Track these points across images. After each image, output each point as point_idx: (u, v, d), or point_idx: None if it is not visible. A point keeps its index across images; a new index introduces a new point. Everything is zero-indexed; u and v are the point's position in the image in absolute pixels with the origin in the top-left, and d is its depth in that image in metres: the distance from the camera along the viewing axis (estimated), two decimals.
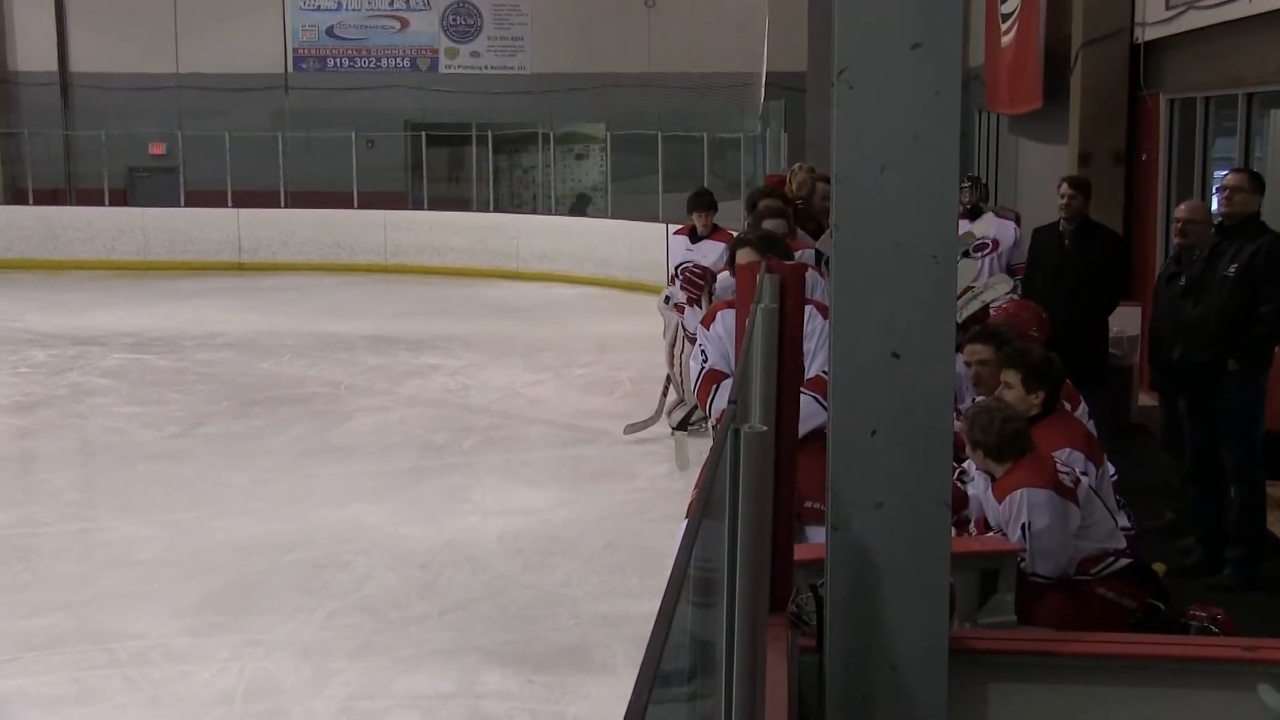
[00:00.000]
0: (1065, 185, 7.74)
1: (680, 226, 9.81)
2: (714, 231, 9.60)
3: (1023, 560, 4.24)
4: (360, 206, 21.62)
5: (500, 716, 5.38)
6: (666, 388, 9.78)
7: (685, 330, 9.28)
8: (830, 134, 3.01)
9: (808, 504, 4.47)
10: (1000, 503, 4.38)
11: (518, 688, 5.61)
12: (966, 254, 7.75)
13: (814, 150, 15.05)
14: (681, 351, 9.50)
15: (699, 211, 9.57)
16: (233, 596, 6.72)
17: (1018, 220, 9.11)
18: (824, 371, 4.49)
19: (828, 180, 6.04)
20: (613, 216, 19.33)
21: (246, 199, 21.62)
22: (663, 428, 9.50)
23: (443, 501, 8.44)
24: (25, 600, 6.65)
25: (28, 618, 6.39)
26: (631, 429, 9.80)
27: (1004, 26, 12.82)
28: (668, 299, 9.64)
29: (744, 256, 5.09)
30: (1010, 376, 4.89)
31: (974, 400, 5.16)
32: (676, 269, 9.41)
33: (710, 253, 9.52)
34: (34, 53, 24.24)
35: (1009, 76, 12.78)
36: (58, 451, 10.09)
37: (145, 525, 7.91)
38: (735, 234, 10.03)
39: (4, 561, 7.35)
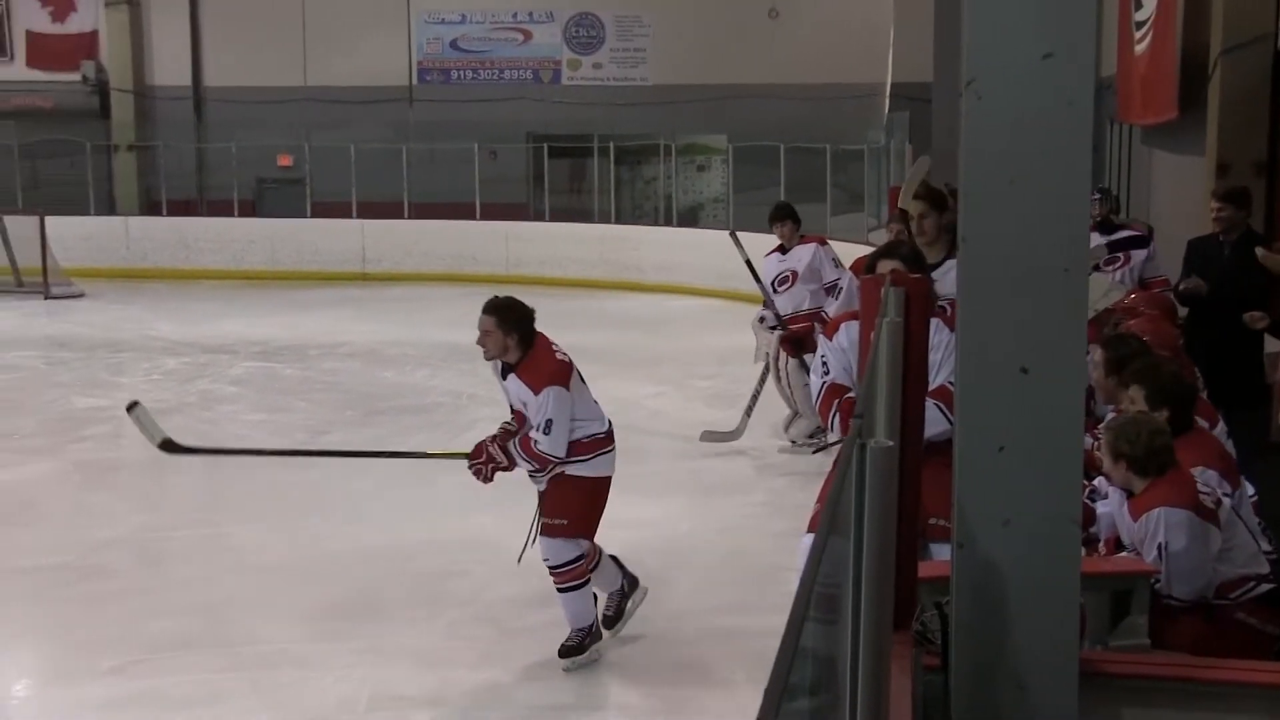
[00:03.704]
0: (1214, 200, 7.43)
1: (769, 250, 9.77)
2: (802, 239, 9.61)
3: (1157, 581, 4.13)
4: (482, 218, 21.84)
5: None
6: (752, 406, 9.75)
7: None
8: (957, 146, 2.96)
9: (931, 521, 4.41)
10: (1136, 520, 4.26)
11: (637, 701, 5.60)
12: (1097, 267, 7.59)
13: (939, 161, 14.86)
14: (786, 364, 9.47)
15: (780, 223, 9.59)
16: (355, 604, 6.79)
17: (1150, 233, 8.91)
18: (949, 382, 4.43)
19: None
20: (735, 229, 19.28)
21: (371, 210, 21.94)
22: (758, 440, 9.44)
23: None
24: (155, 603, 6.77)
25: (157, 619, 6.50)
26: (709, 437, 9.75)
27: (1138, 35, 12.56)
28: (762, 319, 9.63)
29: (886, 269, 5.00)
30: (1135, 393, 4.77)
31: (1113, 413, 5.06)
32: (769, 299, 9.46)
33: (804, 256, 9.50)
34: (170, 68, 24.85)
35: (1142, 86, 12.51)
36: (186, 457, 10.23)
37: (270, 531, 8.03)
38: (824, 239, 10.02)
39: (135, 565, 7.51)
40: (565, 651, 5.90)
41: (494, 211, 21.81)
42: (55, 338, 16.14)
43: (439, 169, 22.24)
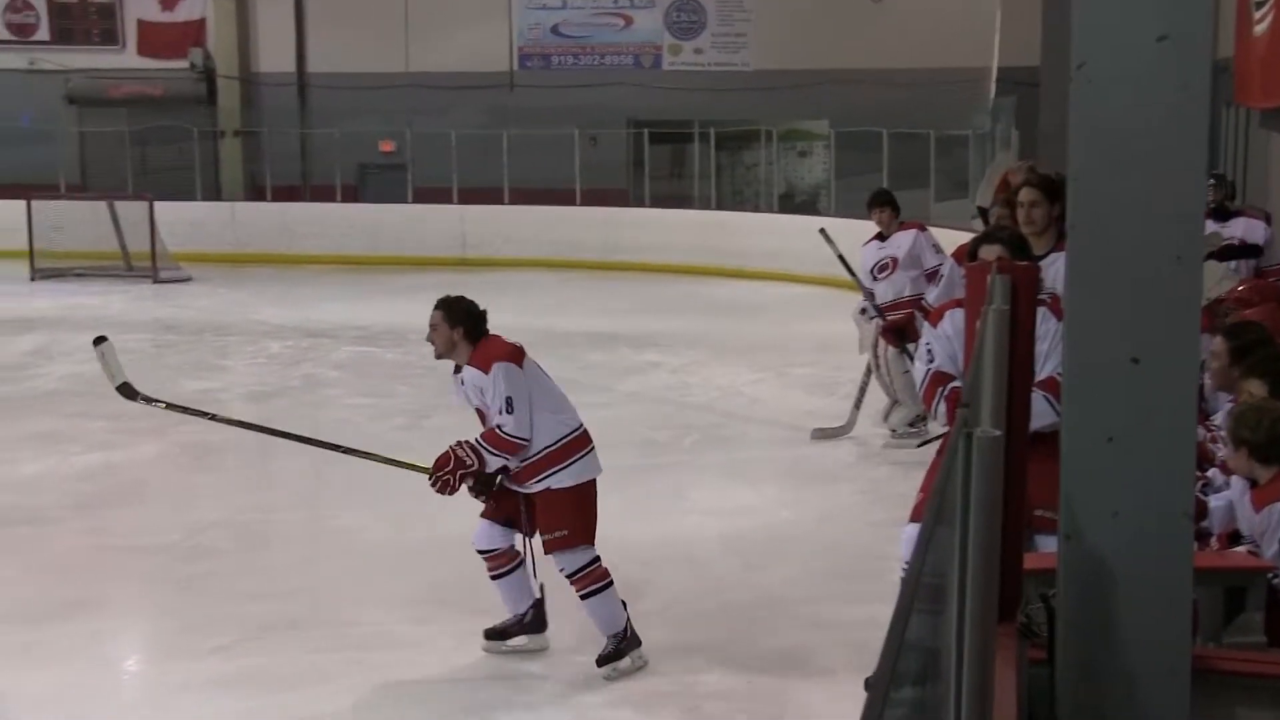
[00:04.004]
0: None
1: (867, 238, 9.67)
2: (901, 225, 9.51)
3: (1275, 577, 4.02)
4: (582, 204, 21.88)
5: (720, 717, 5.35)
6: (860, 398, 9.67)
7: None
8: (1066, 131, 2.90)
9: (1037, 512, 4.34)
10: (1259, 512, 4.15)
11: (737, 688, 5.57)
12: (1211, 256, 7.44)
13: (1047, 147, 14.64)
14: (886, 353, 9.39)
15: (878, 209, 9.48)
16: (455, 587, 6.80)
17: (1268, 220, 8.71)
18: (1057, 373, 4.36)
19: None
20: (836, 215, 19.13)
21: (471, 196, 22.07)
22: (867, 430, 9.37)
23: (663, 499, 8.46)
24: (259, 584, 6.87)
25: (262, 600, 6.59)
26: (820, 434, 9.69)
27: (1257, 15, 12.24)
28: (864, 310, 9.54)
29: (988, 254, 4.93)
30: (1254, 386, 4.65)
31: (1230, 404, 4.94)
32: (867, 291, 9.36)
33: (903, 243, 9.40)
34: (275, 55, 25.16)
35: (1262, 68, 12.18)
36: (287, 441, 10.36)
37: (372, 516, 8.09)
38: (924, 225, 9.90)
39: (239, 546, 7.63)
40: (603, 660, 5.73)
41: (594, 197, 21.85)
42: (163, 321, 16.42)
43: (539, 155, 22.29)
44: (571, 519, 5.70)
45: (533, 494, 5.75)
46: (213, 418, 6.25)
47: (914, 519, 4.95)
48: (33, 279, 20.06)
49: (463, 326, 5.73)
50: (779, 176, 23.13)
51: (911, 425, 9.43)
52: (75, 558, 7.19)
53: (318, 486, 9.02)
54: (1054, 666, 3.01)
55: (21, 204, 20.55)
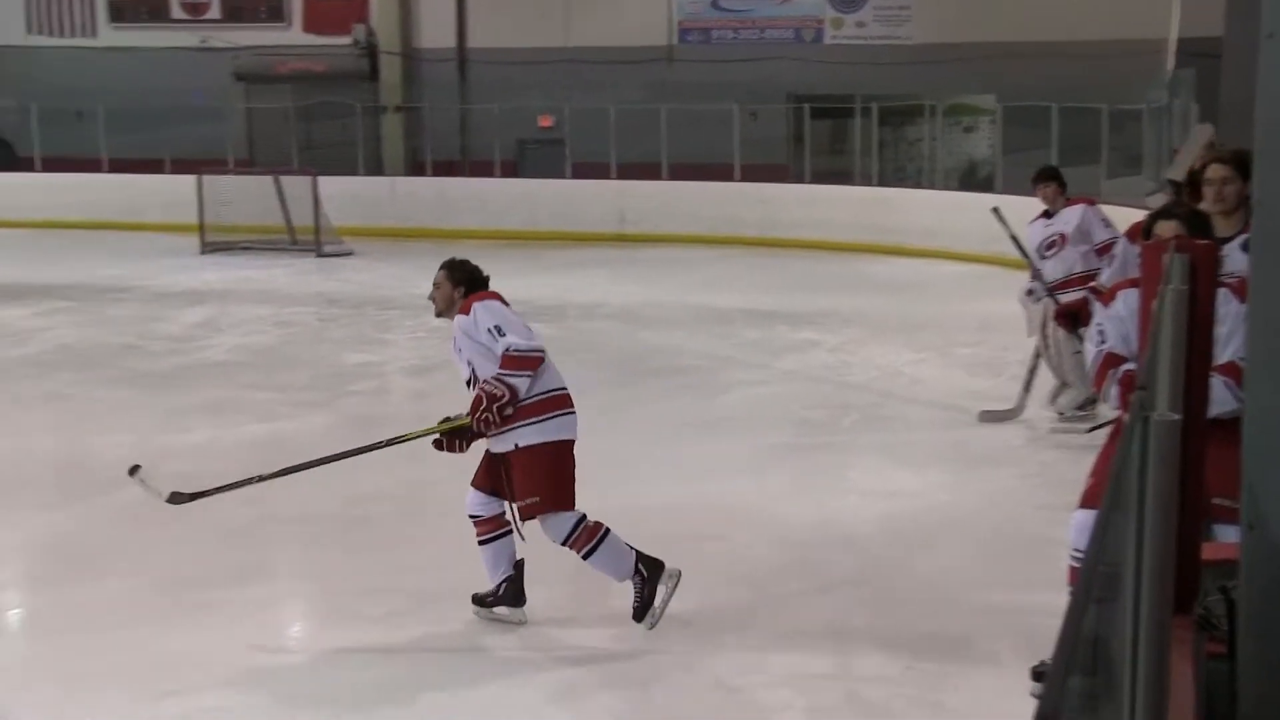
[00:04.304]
0: None
1: (1033, 216, 9.41)
2: (1067, 201, 9.24)
3: None
4: (741, 179, 21.76)
5: (879, 701, 5.25)
6: (1030, 380, 9.43)
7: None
8: (1250, 105, 2.76)
9: (1216, 500, 4.18)
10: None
11: (897, 673, 5.47)
12: None
13: (1229, 122, 14.14)
14: (1055, 333, 9.15)
15: (1043, 184, 9.22)
16: None
17: None
18: (1239, 359, 4.19)
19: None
20: (1003, 192, 18.76)
21: (629, 171, 22.08)
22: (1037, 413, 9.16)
23: (820, 479, 8.36)
24: (419, 555, 6.94)
25: (422, 571, 6.66)
26: (987, 417, 9.48)
27: None
28: (1030, 292, 9.28)
29: (1165, 231, 4.75)
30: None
31: None
32: (1035, 271, 9.12)
33: (1071, 218, 9.13)
34: (436, 31, 25.45)
35: None
36: (450, 412, 10.46)
37: None
38: (1093, 200, 9.61)
39: (399, 517, 7.71)
40: (639, 613, 5.72)
41: (753, 173, 21.73)
42: (326, 294, 16.71)
43: (698, 130, 22.21)
44: (541, 483, 5.66)
45: (507, 455, 5.72)
46: (260, 479, 6.26)
47: (1084, 505, 4.80)
48: (202, 252, 20.60)
49: (464, 286, 5.81)
50: (943, 152, 22.73)
51: (1080, 408, 9.18)
52: (242, 525, 7.32)
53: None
54: (1234, 661, 2.88)
55: (192, 179, 21.10)
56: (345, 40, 25.73)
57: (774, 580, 6.57)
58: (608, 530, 5.74)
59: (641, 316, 14.37)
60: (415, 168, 24.97)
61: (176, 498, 5.95)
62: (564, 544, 5.72)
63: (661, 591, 5.74)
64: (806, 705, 5.22)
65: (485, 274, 5.95)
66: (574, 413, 5.82)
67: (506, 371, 5.58)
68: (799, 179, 22.38)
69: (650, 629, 5.73)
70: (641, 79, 23.79)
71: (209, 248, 20.73)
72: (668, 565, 5.80)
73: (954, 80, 22.50)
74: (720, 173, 21.79)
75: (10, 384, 11.31)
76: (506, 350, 5.56)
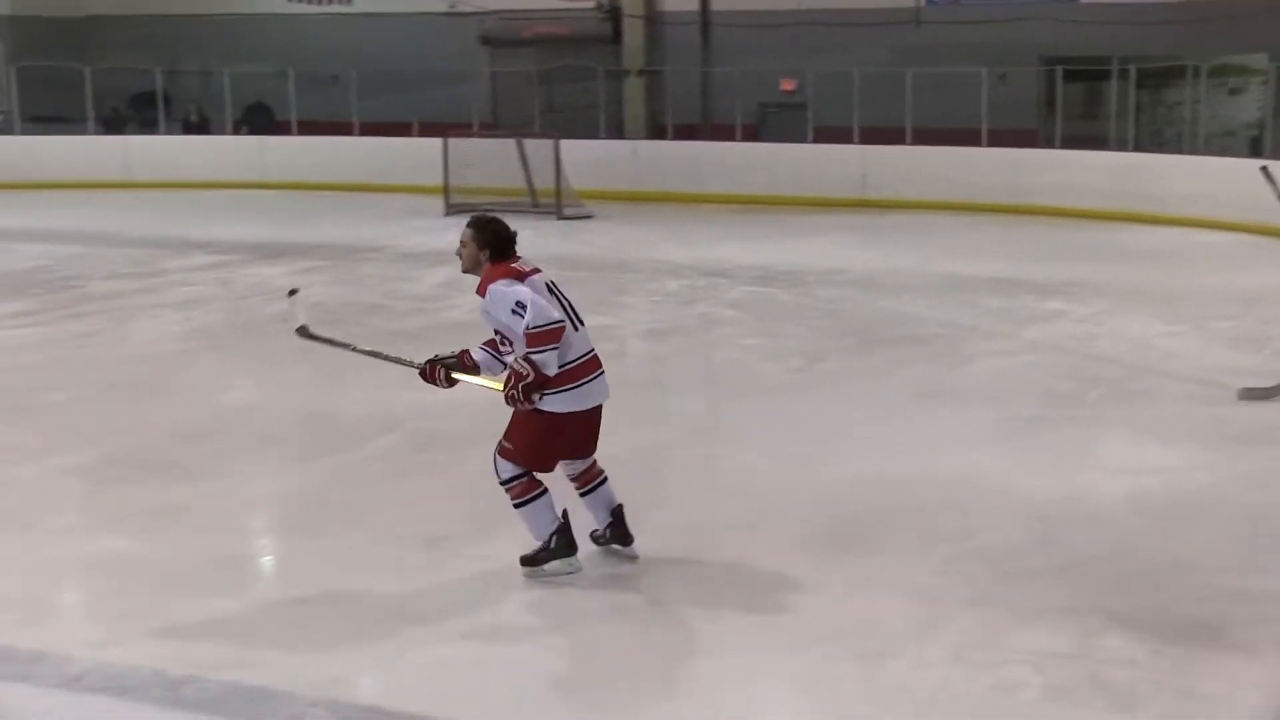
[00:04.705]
0: None
1: None
2: None
3: None
4: (989, 144, 21.21)
5: (1122, 685, 5.01)
6: None
7: None
8: None
9: None
10: None
11: (1143, 657, 5.22)
12: None
13: None
14: None
15: None
16: (846, 533, 6.70)
17: None
18: None
19: None
20: (1274, 157, 17.82)
21: (872, 136, 21.74)
22: None
23: (1065, 453, 8.06)
24: (657, 519, 6.85)
25: (660, 535, 6.60)
26: (1249, 394, 8.99)
27: None
28: None
29: None
30: None
31: None
32: None
33: None
34: None
35: None
36: (686, 378, 10.47)
37: (764, 455, 8.04)
38: None
39: (636, 480, 7.64)
40: (524, 561, 6.04)
41: (1001, 138, 21.14)
42: (566, 257, 16.78)
43: (944, 93, 21.66)
44: (521, 438, 5.90)
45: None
46: (354, 349, 6.53)
47: None
48: (446, 214, 20.95)
49: (490, 248, 5.85)
50: (1205, 116, 21.72)
51: None
52: (487, 483, 7.40)
53: (712, 424, 9.05)
54: None
55: (438, 142, 21.50)
56: (589, 4, 25.89)
57: (1013, 556, 6.37)
58: (541, 494, 6.00)
59: (882, 284, 14.11)
60: (656, 131, 25.02)
61: (302, 330, 6.40)
62: (502, 484, 6.01)
63: (556, 566, 6.01)
64: (1045, 684, 5.03)
65: (512, 233, 5.97)
66: (591, 380, 5.95)
67: (533, 348, 5.71)
68: (1049, 144, 21.67)
69: (526, 577, 6.01)
70: (887, 41, 23.34)
71: (453, 209, 21.08)
72: (579, 557, 6.07)
73: (1220, 39, 21.43)
74: (967, 138, 21.25)
75: (265, 340, 11.60)
76: (528, 329, 5.68)
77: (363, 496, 7.35)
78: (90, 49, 27.41)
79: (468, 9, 26.28)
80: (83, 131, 25.73)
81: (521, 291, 5.72)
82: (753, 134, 23.91)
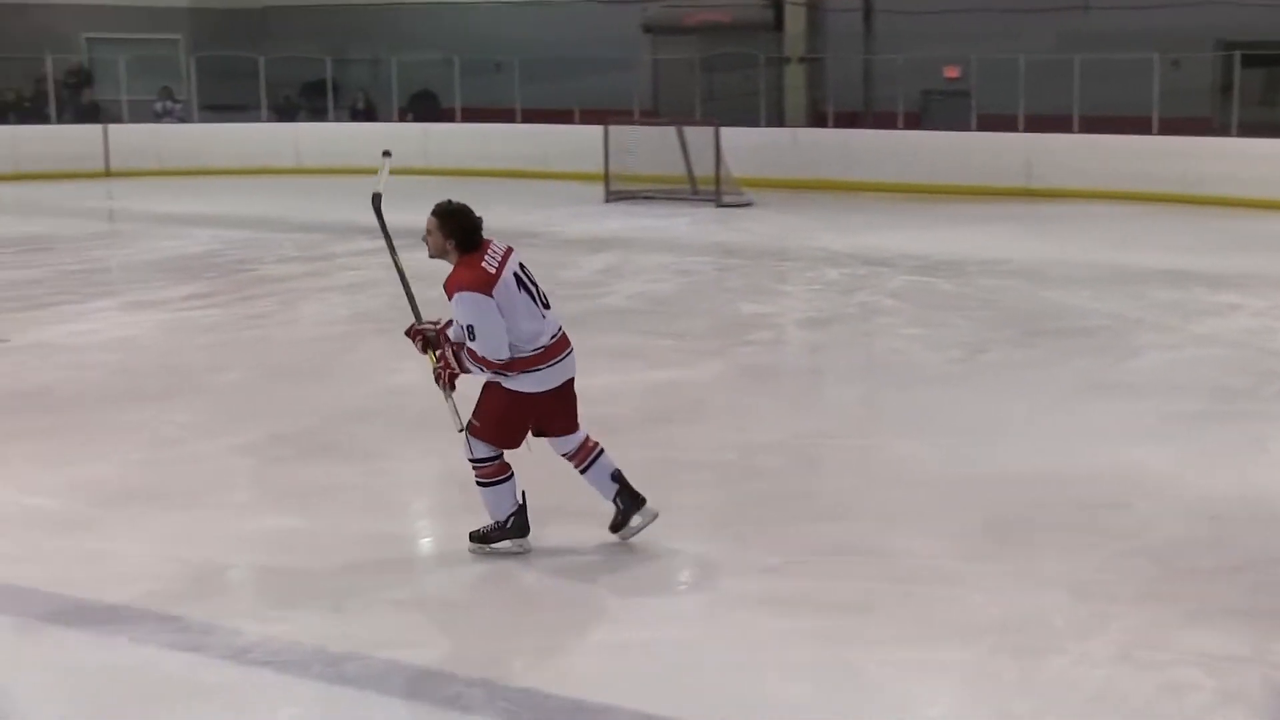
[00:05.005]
0: None
1: None
2: None
3: None
4: (1159, 133, 20.68)
5: None
6: None
7: None
8: None
9: None
10: None
11: None
12: None
13: None
14: None
15: None
16: (1005, 526, 6.59)
17: None
18: None
19: None
20: None
21: (1037, 124, 21.35)
22: None
23: (1238, 450, 7.83)
24: (813, 507, 6.89)
25: (815, 523, 6.60)
26: None
27: None
28: None
29: None
30: None
31: None
32: None
33: None
34: None
35: None
36: (845, 367, 10.41)
37: (923, 446, 7.94)
38: None
39: (793, 468, 7.68)
40: (473, 536, 6.18)
41: (1173, 126, 20.57)
42: (725, 244, 16.85)
43: (1113, 80, 21.14)
44: (488, 415, 6.02)
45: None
46: (393, 253, 6.52)
47: None
48: (606, 200, 21.11)
49: (455, 239, 5.92)
50: None
51: None
52: (641, 468, 7.41)
53: (871, 414, 8.99)
54: None
55: (599, 129, 21.63)
56: None
57: (1183, 554, 6.20)
58: (507, 478, 6.13)
59: (1046, 275, 13.85)
60: (817, 119, 24.84)
61: (377, 199, 6.50)
62: (471, 462, 6.12)
63: (506, 545, 6.14)
64: (1218, 687, 4.88)
65: (477, 220, 5.98)
66: (559, 361, 6.03)
67: (469, 359, 5.93)
68: (1224, 132, 21.03)
69: (471, 552, 6.15)
70: (1054, 28, 22.83)
71: (613, 196, 21.23)
72: (526, 543, 6.17)
73: None
74: (1137, 125, 20.71)
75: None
76: (473, 352, 5.88)
77: (520, 479, 7.38)
78: (264, 39, 28.12)
79: None
80: (256, 119, 26.51)
81: (483, 316, 5.79)
82: (914, 122, 23.61)
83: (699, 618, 5.64)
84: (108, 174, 24.97)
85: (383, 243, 6.65)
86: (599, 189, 21.38)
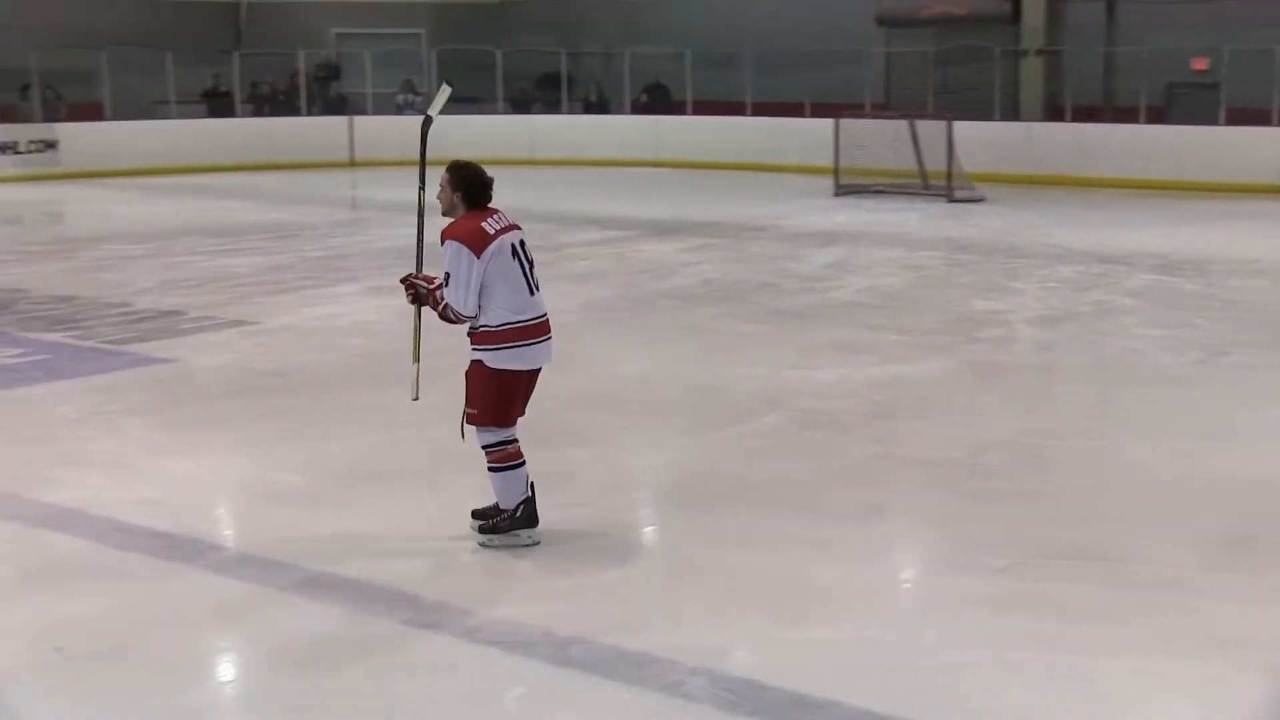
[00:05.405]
0: None
1: None
2: None
3: None
4: None
5: None
6: None
7: None
8: None
9: None
10: None
11: None
12: None
13: None
14: None
15: None
16: (1245, 535, 6.34)
17: None
18: None
19: None
20: None
21: None
22: None
23: None
24: (1043, 509, 6.75)
25: (1045, 525, 6.47)
26: None
27: None
28: None
29: None
30: None
31: None
32: None
33: None
34: None
35: None
36: (1078, 367, 10.15)
37: (1159, 450, 7.73)
38: None
39: (1022, 468, 7.54)
40: (481, 528, 6.25)
41: None
42: (956, 240, 16.62)
43: None
44: (480, 399, 6.09)
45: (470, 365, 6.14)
46: (421, 187, 6.36)
47: None
48: (835, 194, 21.05)
49: (461, 192, 6.07)
50: None
51: None
52: (866, 463, 7.44)
53: (1104, 415, 8.78)
54: None
55: (830, 122, 21.55)
56: None
57: None
58: (519, 464, 6.18)
59: None
60: (1053, 112, 24.31)
61: (427, 121, 6.46)
62: (484, 448, 6.17)
63: (512, 539, 6.18)
64: None
65: (487, 179, 6.13)
66: (541, 343, 6.12)
67: (445, 301, 6.05)
68: None
69: (481, 545, 6.20)
70: None
71: (842, 190, 21.14)
72: (536, 534, 6.21)
73: None
74: None
75: (656, 315, 11.97)
76: (443, 301, 6.05)
77: (746, 471, 7.44)
78: (502, 33, 28.78)
79: None
80: (492, 111, 27.17)
81: (461, 269, 5.92)
82: (1157, 116, 22.90)
83: (922, 617, 5.59)
84: (352, 164, 25.89)
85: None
86: (828, 182, 21.33)
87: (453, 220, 6.09)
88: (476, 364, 6.13)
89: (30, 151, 24.20)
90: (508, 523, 6.23)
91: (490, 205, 6.12)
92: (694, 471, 7.53)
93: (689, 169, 24.91)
